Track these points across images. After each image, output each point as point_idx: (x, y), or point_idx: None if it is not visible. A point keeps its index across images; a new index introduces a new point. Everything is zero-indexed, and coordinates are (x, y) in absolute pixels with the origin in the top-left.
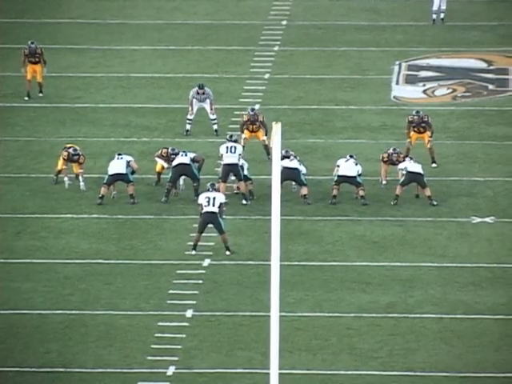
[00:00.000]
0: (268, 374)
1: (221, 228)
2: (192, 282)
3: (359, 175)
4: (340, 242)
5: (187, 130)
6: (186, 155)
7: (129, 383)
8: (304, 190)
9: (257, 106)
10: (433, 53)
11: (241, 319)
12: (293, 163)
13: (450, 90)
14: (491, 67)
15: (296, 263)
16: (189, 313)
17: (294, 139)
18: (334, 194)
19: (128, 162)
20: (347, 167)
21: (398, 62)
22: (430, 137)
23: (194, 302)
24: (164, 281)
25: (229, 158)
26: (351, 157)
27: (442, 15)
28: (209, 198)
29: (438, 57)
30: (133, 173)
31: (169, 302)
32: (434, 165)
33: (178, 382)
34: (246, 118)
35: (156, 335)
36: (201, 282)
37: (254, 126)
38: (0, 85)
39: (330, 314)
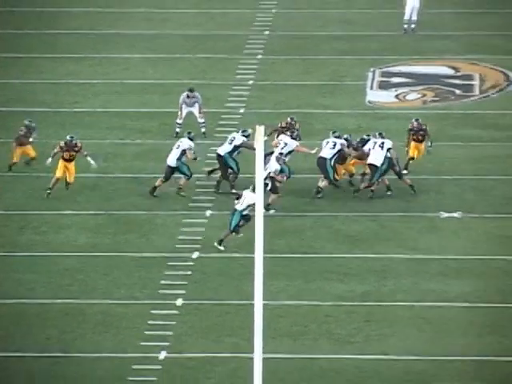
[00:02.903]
0: (252, 358)
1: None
2: (182, 273)
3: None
4: (319, 236)
5: (177, 133)
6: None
7: (123, 367)
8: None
9: (241, 110)
10: (404, 60)
11: (227, 307)
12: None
13: (420, 95)
14: (458, 73)
15: (278, 255)
16: (179, 302)
17: None
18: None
19: (183, 152)
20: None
21: (372, 69)
22: (430, 146)
23: (184, 292)
24: (156, 272)
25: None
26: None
27: (412, 26)
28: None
29: (409, 64)
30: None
31: (160, 291)
32: (405, 171)
33: (169, 366)
34: (283, 124)
35: (149, 322)
36: (190, 273)
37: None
38: (2, 90)
39: (310, 303)
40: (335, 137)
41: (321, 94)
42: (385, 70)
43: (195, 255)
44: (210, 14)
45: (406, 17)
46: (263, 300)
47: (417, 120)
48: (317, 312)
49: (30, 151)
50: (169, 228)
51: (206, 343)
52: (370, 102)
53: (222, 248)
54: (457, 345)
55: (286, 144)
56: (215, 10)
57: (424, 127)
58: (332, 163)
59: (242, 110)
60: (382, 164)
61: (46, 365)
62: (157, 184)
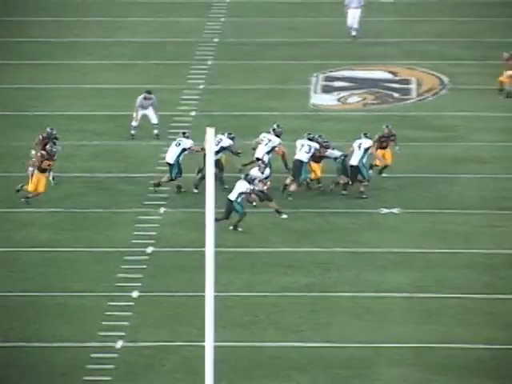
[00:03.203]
0: (204, 346)
1: None
2: (137, 267)
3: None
4: (266, 231)
5: (132, 135)
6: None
7: (82, 355)
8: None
9: (193, 113)
10: (346, 65)
11: (180, 299)
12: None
13: (361, 98)
14: (396, 78)
15: (228, 249)
16: (135, 294)
17: None
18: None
19: (184, 150)
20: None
21: (315, 74)
22: (398, 149)
23: (140, 285)
24: (113, 266)
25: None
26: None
27: (354, 33)
28: None
29: (350, 69)
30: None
31: (117, 284)
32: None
33: (126, 354)
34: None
35: (106, 313)
36: (145, 266)
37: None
38: None
39: (258, 294)
40: (309, 139)
41: (267, 97)
42: (327, 74)
43: (150, 250)
44: (162, 22)
45: (349, 23)
46: (214, 292)
47: (387, 126)
48: (265, 303)
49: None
50: (125, 224)
51: (161, 333)
52: (313, 104)
53: (240, 229)
54: (396, 332)
55: (269, 140)
56: (167, 19)
57: (394, 132)
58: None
59: (193, 113)
60: (360, 162)
61: (9, 354)
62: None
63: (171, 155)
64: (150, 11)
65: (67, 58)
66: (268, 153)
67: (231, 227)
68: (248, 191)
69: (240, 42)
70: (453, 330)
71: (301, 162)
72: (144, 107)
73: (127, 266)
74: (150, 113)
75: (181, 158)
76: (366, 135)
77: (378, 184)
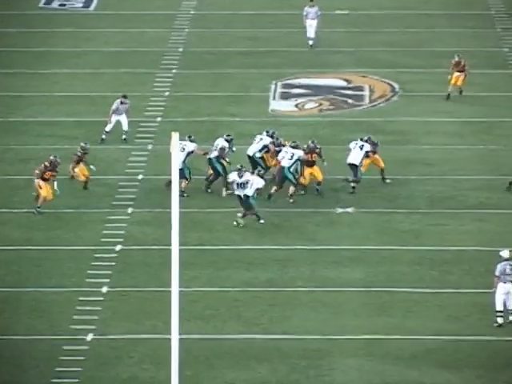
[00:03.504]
0: (169, 338)
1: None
2: (107, 264)
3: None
4: (228, 230)
5: (103, 139)
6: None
7: (55, 348)
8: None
9: (158, 119)
10: (303, 73)
11: (147, 294)
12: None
13: (317, 104)
14: (350, 85)
15: (192, 247)
16: (104, 289)
17: None
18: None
19: (189, 154)
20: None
21: (274, 82)
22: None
23: (108, 280)
24: (83, 263)
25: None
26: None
27: (310, 42)
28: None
29: (307, 77)
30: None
31: (88, 280)
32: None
33: (96, 346)
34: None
35: (77, 308)
36: (114, 263)
37: None
38: None
39: (220, 289)
40: (292, 147)
41: (229, 103)
42: (285, 82)
43: (118, 248)
44: (129, 32)
45: (308, 34)
46: (179, 287)
47: (312, 142)
48: (226, 297)
49: (85, 171)
50: (94, 224)
51: (129, 326)
52: (272, 110)
53: (262, 221)
54: (350, 325)
55: (261, 139)
56: (134, 30)
57: (318, 149)
58: (291, 170)
59: (158, 119)
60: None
61: None
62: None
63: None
64: (118, 23)
65: (40, 67)
66: (260, 151)
67: (238, 219)
68: (262, 187)
69: (203, 52)
70: (403, 322)
71: (283, 167)
72: (119, 112)
73: (97, 263)
74: (123, 119)
75: (187, 161)
76: (363, 139)
77: (333, 185)
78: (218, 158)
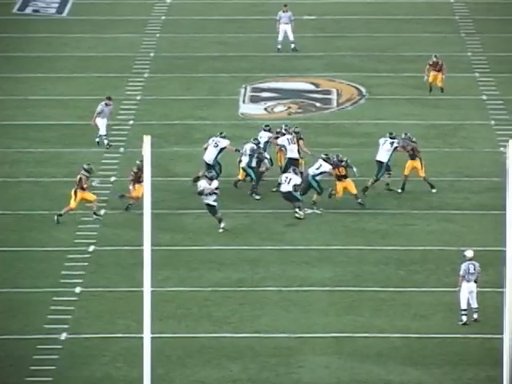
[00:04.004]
0: (142, 338)
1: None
2: (80, 264)
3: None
4: (199, 231)
5: (98, 143)
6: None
7: (29, 347)
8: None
9: (131, 122)
10: (272, 77)
11: (120, 294)
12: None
13: (286, 108)
14: (318, 89)
15: (164, 248)
16: (77, 289)
17: (161, 148)
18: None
19: (221, 150)
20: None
21: (244, 85)
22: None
23: (82, 281)
24: (57, 264)
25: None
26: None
27: (292, 45)
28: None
29: (276, 81)
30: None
31: (61, 280)
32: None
33: (69, 346)
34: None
35: (51, 308)
36: (87, 264)
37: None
38: None
39: (192, 289)
40: (323, 160)
41: (200, 107)
42: (255, 86)
43: (91, 248)
44: (101, 38)
45: (280, 38)
46: (151, 287)
47: (337, 156)
48: (198, 297)
49: (89, 196)
50: (68, 225)
51: (102, 325)
52: (242, 114)
53: (319, 212)
54: (319, 323)
55: (320, 165)
56: (107, 35)
57: (344, 162)
58: (317, 179)
59: (131, 122)
60: (388, 161)
61: None
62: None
63: (210, 156)
64: (91, 28)
65: (13, 71)
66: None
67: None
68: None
69: (174, 56)
70: (371, 320)
71: (306, 175)
72: (103, 115)
73: (70, 264)
74: (104, 122)
75: (219, 157)
76: (391, 135)
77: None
78: (249, 164)
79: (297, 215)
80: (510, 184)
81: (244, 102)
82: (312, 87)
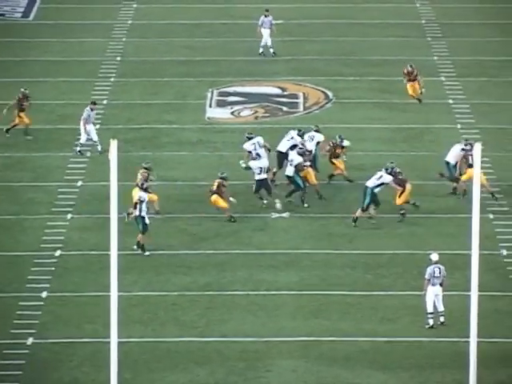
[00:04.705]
0: (109, 342)
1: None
2: (46, 269)
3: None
4: (166, 235)
5: (80, 152)
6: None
7: None
8: None
9: (97, 126)
10: (238, 82)
11: (87, 298)
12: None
13: (252, 112)
14: (285, 93)
15: (131, 252)
16: (44, 294)
17: (128, 152)
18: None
19: (295, 146)
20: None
21: (210, 90)
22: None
23: (48, 285)
24: (23, 268)
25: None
26: None
27: (271, 50)
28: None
29: (242, 85)
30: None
31: (28, 285)
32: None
33: (36, 350)
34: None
35: (17, 312)
36: (53, 268)
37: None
38: None
39: (159, 293)
40: (387, 171)
41: (166, 111)
42: (221, 90)
43: (58, 253)
44: (68, 42)
45: (263, 43)
46: (118, 291)
47: (391, 163)
48: (165, 301)
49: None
50: (35, 230)
51: (69, 330)
52: (209, 118)
53: (372, 213)
54: (286, 327)
55: (291, 138)
56: (73, 39)
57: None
58: (375, 191)
59: (97, 126)
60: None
61: None
62: (274, 171)
63: (284, 146)
64: (57, 32)
65: None
66: (291, 148)
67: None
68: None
69: (141, 61)
70: (338, 324)
71: (366, 187)
72: (90, 121)
73: (37, 269)
74: (92, 128)
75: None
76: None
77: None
78: (296, 172)
79: (277, 205)
80: (476, 188)
81: (211, 106)
82: (279, 91)
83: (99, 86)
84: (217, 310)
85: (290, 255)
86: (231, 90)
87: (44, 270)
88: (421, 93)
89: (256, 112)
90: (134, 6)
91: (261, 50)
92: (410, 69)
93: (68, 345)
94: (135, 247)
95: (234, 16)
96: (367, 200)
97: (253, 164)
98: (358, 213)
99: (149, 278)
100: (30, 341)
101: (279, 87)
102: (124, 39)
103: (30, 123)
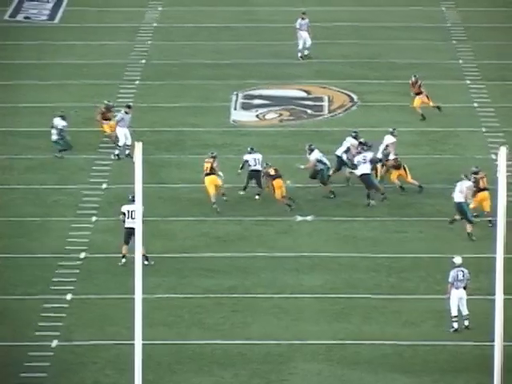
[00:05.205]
0: (133, 344)
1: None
2: (71, 272)
3: None
4: (190, 238)
5: (119, 155)
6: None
7: (20, 354)
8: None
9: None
10: (263, 85)
11: (110, 301)
12: None
13: (277, 115)
14: (310, 96)
15: (155, 255)
16: (68, 296)
17: (152, 155)
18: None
19: (349, 149)
20: None
21: (235, 93)
22: None
23: (73, 288)
24: (48, 270)
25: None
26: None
27: (306, 52)
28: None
29: (267, 88)
30: None
31: (52, 287)
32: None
33: (60, 353)
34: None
35: (42, 315)
36: (78, 271)
37: None
38: None
39: (183, 295)
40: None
41: (191, 114)
42: (246, 93)
43: (82, 255)
44: (93, 45)
45: (300, 46)
46: (142, 294)
47: (476, 168)
48: (189, 304)
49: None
50: (59, 232)
51: (92, 332)
52: (234, 121)
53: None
54: (310, 330)
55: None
56: (98, 42)
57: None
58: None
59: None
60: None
61: None
62: (331, 173)
63: (340, 150)
64: (83, 35)
65: (4, 78)
66: (345, 152)
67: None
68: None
69: (165, 64)
70: (361, 327)
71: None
72: (123, 124)
73: (61, 271)
74: (127, 132)
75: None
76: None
77: (292, 193)
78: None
79: (371, 202)
80: (501, 191)
81: (235, 108)
82: (303, 94)
83: (124, 88)
84: (241, 312)
85: (313, 258)
86: (256, 92)
87: (68, 273)
88: (438, 108)
89: (281, 115)
90: (160, 8)
91: (300, 54)
92: (413, 79)
93: (92, 347)
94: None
95: (259, 19)
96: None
97: (248, 156)
98: (469, 228)
99: (173, 280)
100: (54, 343)
101: (304, 90)
102: (149, 42)
103: (113, 131)
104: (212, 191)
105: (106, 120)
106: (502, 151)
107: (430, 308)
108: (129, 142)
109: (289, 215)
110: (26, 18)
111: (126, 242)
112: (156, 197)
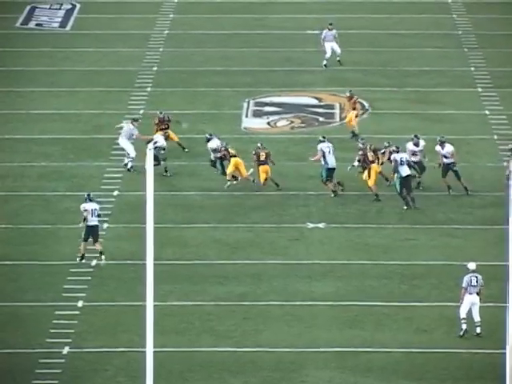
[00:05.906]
0: (144, 351)
1: None
2: (82, 279)
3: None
4: (201, 245)
5: (131, 167)
6: None
7: (31, 361)
8: None
9: (133, 136)
10: (275, 92)
11: (122, 308)
12: None
13: (288, 122)
14: (321, 103)
15: (166, 262)
16: (80, 303)
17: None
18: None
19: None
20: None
21: (247, 100)
22: None
23: (84, 295)
24: (59, 278)
25: None
26: None
27: (338, 58)
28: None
29: (278, 95)
30: None
31: (64, 294)
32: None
33: (72, 360)
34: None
35: (53, 321)
36: (89, 278)
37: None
38: None
39: (194, 303)
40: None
41: (202, 121)
42: (258, 100)
43: (94, 263)
44: (104, 52)
45: (328, 55)
46: (154, 301)
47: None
48: (200, 311)
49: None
50: (71, 239)
51: (104, 339)
52: (245, 128)
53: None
54: (322, 338)
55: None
56: (109, 49)
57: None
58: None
59: (134, 136)
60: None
61: None
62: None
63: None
64: (94, 42)
65: (16, 85)
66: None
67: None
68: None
69: (177, 71)
70: (374, 335)
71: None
72: (130, 137)
73: (73, 278)
74: (130, 144)
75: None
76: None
77: (304, 200)
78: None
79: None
80: None
81: (247, 116)
82: (315, 101)
83: (135, 95)
84: (252, 320)
85: (325, 265)
86: (267, 100)
87: (80, 280)
88: (353, 133)
89: (292, 122)
90: (171, 16)
91: (325, 63)
92: (348, 94)
93: (103, 354)
94: None
95: (270, 26)
96: None
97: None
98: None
99: (184, 287)
100: (65, 350)
101: (315, 97)
102: (161, 49)
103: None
104: (262, 179)
105: (161, 130)
106: None
107: (442, 315)
108: (132, 155)
109: (301, 222)
110: (37, 25)
111: (86, 240)
112: (167, 204)
